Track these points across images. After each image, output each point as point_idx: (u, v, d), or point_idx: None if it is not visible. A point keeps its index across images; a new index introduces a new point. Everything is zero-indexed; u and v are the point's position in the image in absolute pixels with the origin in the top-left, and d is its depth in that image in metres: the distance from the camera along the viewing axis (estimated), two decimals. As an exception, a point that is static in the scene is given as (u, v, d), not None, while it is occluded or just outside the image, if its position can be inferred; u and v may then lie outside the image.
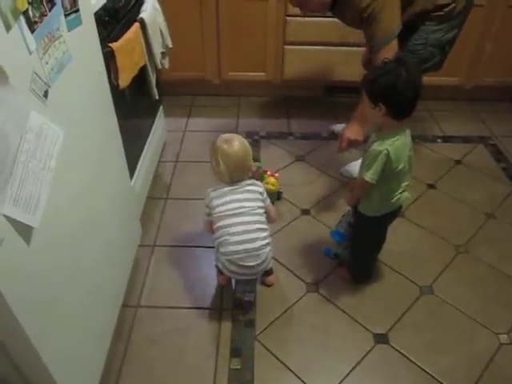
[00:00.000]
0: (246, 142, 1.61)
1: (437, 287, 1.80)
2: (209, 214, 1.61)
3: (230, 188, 1.58)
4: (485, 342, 1.62)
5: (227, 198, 1.56)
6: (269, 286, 1.79)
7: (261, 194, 1.60)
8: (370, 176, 1.44)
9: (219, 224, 1.56)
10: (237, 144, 1.56)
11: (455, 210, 2.18)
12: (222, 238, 1.55)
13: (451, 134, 2.73)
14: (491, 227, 2.09)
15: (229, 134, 1.63)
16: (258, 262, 1.55)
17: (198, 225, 1.89)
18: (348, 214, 1.76)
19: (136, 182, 1.87)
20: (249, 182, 1.61)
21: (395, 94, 1.33)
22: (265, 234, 1.57)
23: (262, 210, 1.59)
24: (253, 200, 1.57)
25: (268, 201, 1.64)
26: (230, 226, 1.54)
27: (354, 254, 1.78)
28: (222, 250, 1.56)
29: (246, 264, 1.54)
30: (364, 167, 1.47)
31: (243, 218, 1.54)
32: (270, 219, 1.63)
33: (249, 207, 1.55)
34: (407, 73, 1.31)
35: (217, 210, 1.56)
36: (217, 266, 1.74)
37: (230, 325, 1.65)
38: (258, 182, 1.64)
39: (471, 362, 1.56)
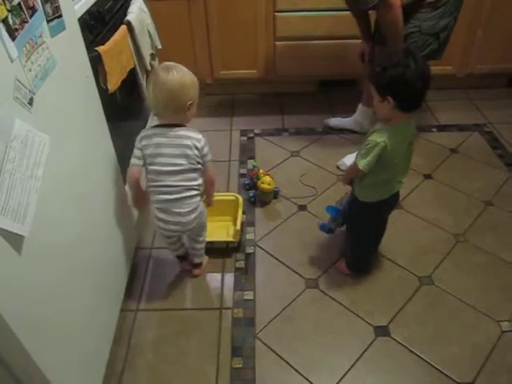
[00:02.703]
0: (190, 76, 1.43)
1: (436, 277, 1.79)
2: (138, 157, 1.50)
3: (160, 131, 1.46)
4: (487, 330, 1.61)
5: (153, 150, 1.46)
6: (194, 276, 1.82)
7: (197, 148, 1.46)
8: (363, 165, 1.43)
9: (149, 176, 1.51)
10: (175, 73, 1.39)
11: (453, 199, 2.17)
12: (151, 189, 1.51)
13: (446, 122, 2.72)
14: (490, 215, 2.08)
15: (174, 63, 1.45)
16: (187, 209, 1.51)
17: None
18: (349, 193, 1.74)
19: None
20: (183, 132, 1.46)
21: (405, 86, 1.30)
22: (194, 193, 1.51)
23: (194, 166, 1.48)
24: (183, 156, 1.45)
25: (207, 157, 1.51)
26: (159, 181, 1.48)
27: (350, 241, 1.78)
28: (152, 198, 1.53)
29: (175, 210, 1.51)
30: (360, 154, 1.45)
31: (172, 177, 1.47)
32: (206, 179, 1.55)
33: (179, 165, 1.45)
34: (416, 64, 1.29)
35: (148, 160, 1.48)
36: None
37: (230, 324, 1.65)
38: (196, 135, 1.48)
39: (474, 350, 1.55)
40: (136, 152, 1.50)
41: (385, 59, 1.35)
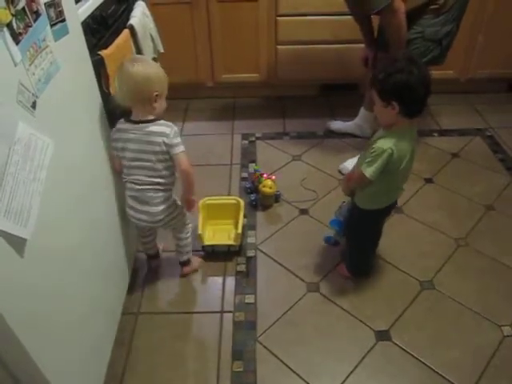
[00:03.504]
0: (155, 69, 1.43)
1: (438, 282, 1.79)
2: (113, 148, 1.52)
3: (131, 127, 1.46)
4: (488, 334, 1.61)
5: (123, 144, 1.48)
6: (183, 275, 1.84)
7: (165, 144, 1.44)
8: (370, 173, 1.42)
9: (122, 167, 1.54)
10: (139, 66, 1.39)
11: (454, 204, 2.17)
12: (124, 179, 1.54)
13: (448, 127, 2.72)
14: (491, 219, 2.08)
15: (142, 57, 1.48)
16: (155, 201, 1.54)
17: (195, 229, 1.88)
18: (348, 201, 1.73)
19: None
20: (153, 127, 1.45)
21: (409, 92, 1.32)
22: (160, 194, 1.53)
23: (162, 164, 1.49)
24: (151, 153, 1.46)
25: (177, 149, 1.46)
26: (129, 175, 1.52)
27: (349, 247, 1.78)
28: (125, 186, 1.55)
29: (144, 199, 1.54)
30: (365, 162, 1.44)
31: (140, 171, 1.49)
32: (180, 173, 1.52)
33: (147, 161, 1.47)
34: (418, 70, 1.31)
35: (116, 153, 1.51)
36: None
37: (231, 327, 1.64)
38: (165, 129, 1.45)
39: (475, 355, 1.55)
40: (112, 143, 1.52)
41: (388, 65, 1.36)
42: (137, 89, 1.40)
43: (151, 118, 1.47)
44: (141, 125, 1.46)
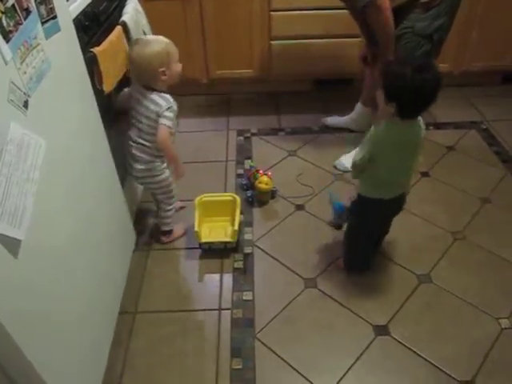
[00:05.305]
0: (157, 47, 1.59)
1: (435, 275, 1.80)
2: None
3: (139, 92, 1.65)
4: (486, 327, 1.62)
5: (133, 103, 1.67)
6: (162, 243, 1.96)
7: (156, 113, 1.61)
8: (357, 156, 1.51)
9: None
10: (140, 49, 1.59)
11: (450, 197, 2.17)
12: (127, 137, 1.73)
13: (443, 120, 2.72)
14: (487, 212, 2.08)
15: (151, 37, 1.70)
16: (137, 159, 1.72)
17: (191, 227, 1.88)
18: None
19: (127, 187, 1.86)
20: (154, 96, 1.62)
21: (401, 97, 1.33)
22: (143, 155, 1.70)
23: (149, 129, 1.65)
24: (144, 116, 1.64)
25: (163, 120, 1.61)
26: (129, 130, 1.71)
27: (346, 237, 1.79)
28: (127, 142, 1.73)
29: (132, 155, 1.72)
30: None
31: (135, 132, 1.68)
32: (156, 140, 1.64)
33: (141, 123, 1.65)
34: (422, 79, 1.29)
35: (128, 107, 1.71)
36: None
37: (229, 325, 1.64)
38: (163, 101, 1.61)
39: (473, 348, 1.55)
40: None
41: (394, 65, 1.38)
42: (142, 70, 1.61)
43: (159, 88, 1.64)
44: (147, 90, 1.63)
